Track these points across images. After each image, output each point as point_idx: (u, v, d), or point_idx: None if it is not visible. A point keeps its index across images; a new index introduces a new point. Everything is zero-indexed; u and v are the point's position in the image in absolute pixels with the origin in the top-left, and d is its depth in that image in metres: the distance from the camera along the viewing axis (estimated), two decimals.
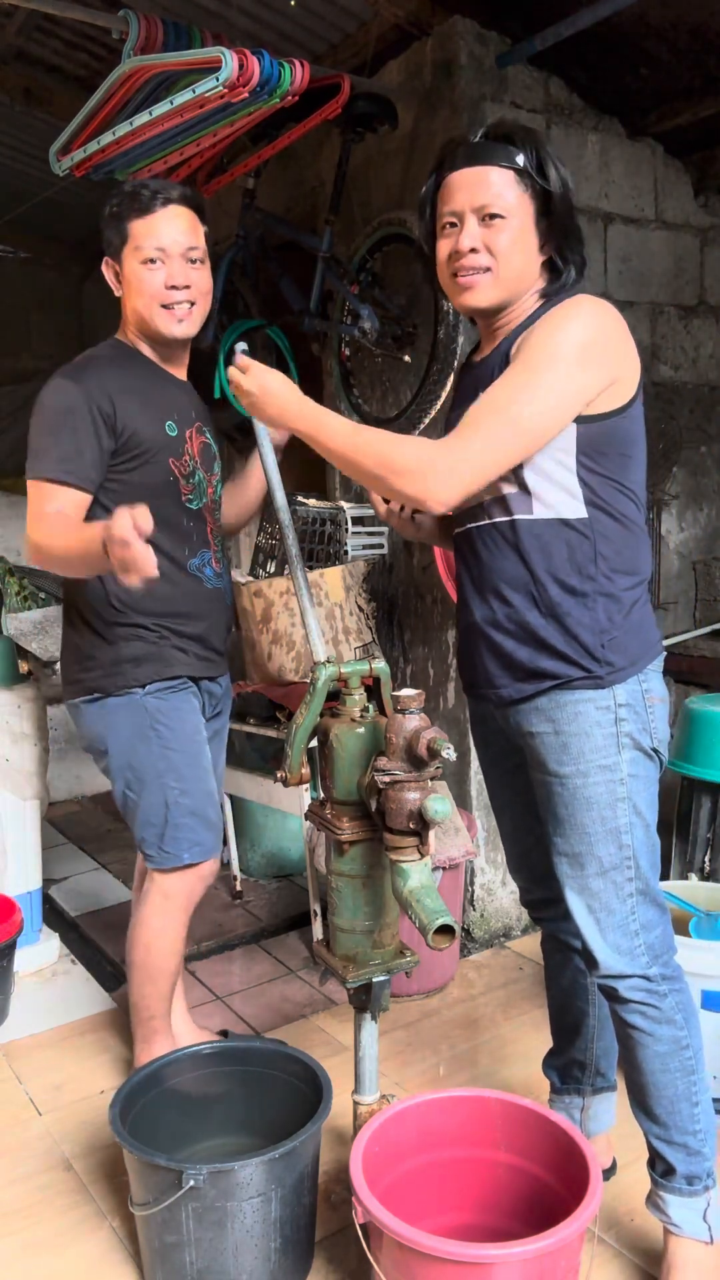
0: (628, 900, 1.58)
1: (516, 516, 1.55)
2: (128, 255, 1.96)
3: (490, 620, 1.61)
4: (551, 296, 1.58)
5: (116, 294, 2.02)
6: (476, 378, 1.62)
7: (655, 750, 1.61)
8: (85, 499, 1.91)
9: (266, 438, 2.06)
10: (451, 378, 2.77)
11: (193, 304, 1.99)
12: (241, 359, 1.64)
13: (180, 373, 2.11)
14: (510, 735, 1.68)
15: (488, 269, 1.55)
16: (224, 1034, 2.37)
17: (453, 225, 1.57)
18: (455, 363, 2.75)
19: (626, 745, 1.56)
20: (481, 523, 1.61)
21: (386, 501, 1.78)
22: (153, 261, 1.94)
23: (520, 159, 1.52)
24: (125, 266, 1.97)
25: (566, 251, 1.57)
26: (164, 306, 1.96)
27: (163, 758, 2.01)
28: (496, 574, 1.59)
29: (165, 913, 2.07)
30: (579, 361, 1.46)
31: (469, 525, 1.64)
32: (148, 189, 1.94)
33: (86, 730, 2.06)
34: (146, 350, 2.04)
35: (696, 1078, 1.60)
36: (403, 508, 1.78)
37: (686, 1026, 1.60)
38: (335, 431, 1.56)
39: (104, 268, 2.01)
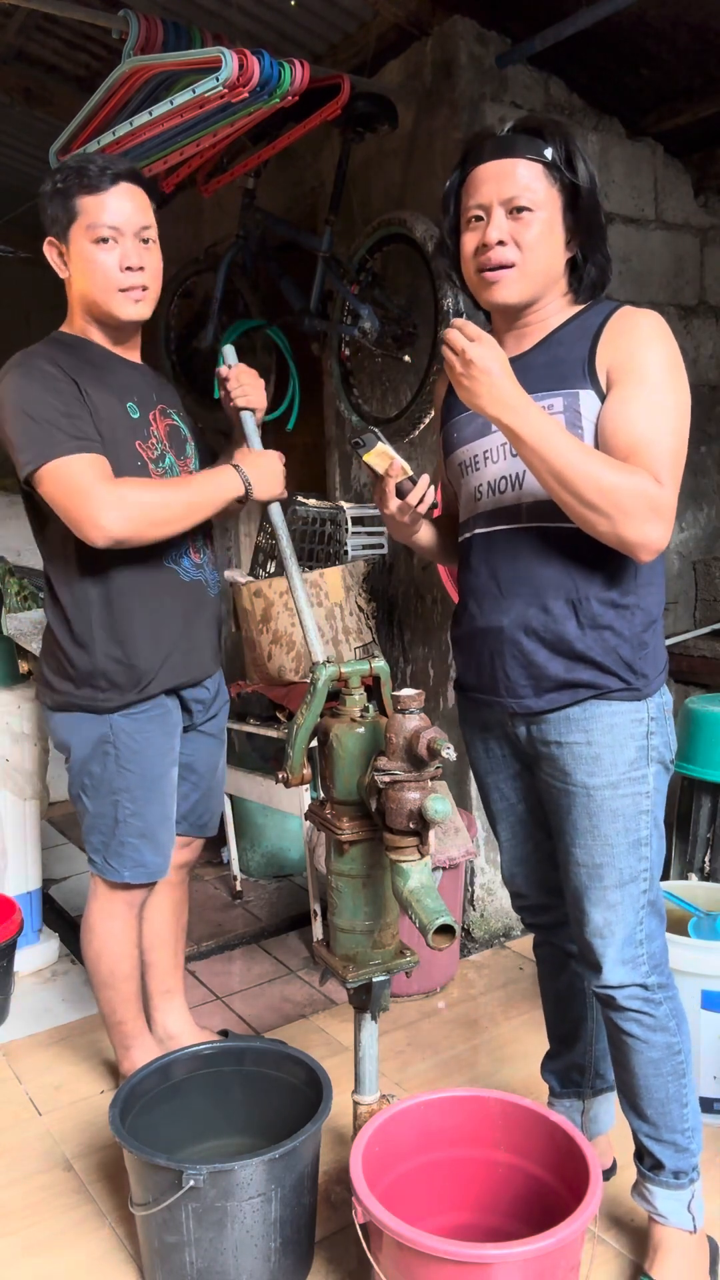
0: (640, 911, 1.58)
1: (567, 523, 1.50)
2: (77, 233, 1.84)
3: (523, 627, 1.56)
4: (591, 300, 1.57)
5: (61, 275, 1.90)
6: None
7: (671, 762, 1.61)
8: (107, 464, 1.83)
9: (255, 435, 2.05)
10: None
11: (146, 288, 1.88)
12: (467, 324, 1.44)
13: (134, 355, 2.00)
14: (520, 743, 1.65)
15: (513, 264, 1.52)
16: (224, 1034, 2.37)
17: (479, 219, 1.54)
18: None
19: (654, 759, 1.56)
20: (524, 525, 1.56)
21: (402, 496, 1.66)
22: (105, 241, 1.82)
23: (549, 152, 1.50)
24: (73, 246, 1.85)
25: (589, 249, 1.56)
26: (120, 290, 1.85)
27: (119, 776, 1.97)
28: (537, 580, 1.55)
29: (109, 916, 2.06)
30: (684, 381, 1.49)
31: (500, 527, 1.60)
32: (95, 164, 1.84)
33: (52, 733, 2.05)
34: (96, 337, 1.94)
35: (686, 1080, 1.62)
36: (418, 503, 1.67)
37: (679, 1032, 1.62)
38: (558, 445, 1.42)
39: (46, 247, 1.89)
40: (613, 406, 1.47)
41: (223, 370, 2.04)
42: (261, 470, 1.95)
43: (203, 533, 2.05)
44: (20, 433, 1.79)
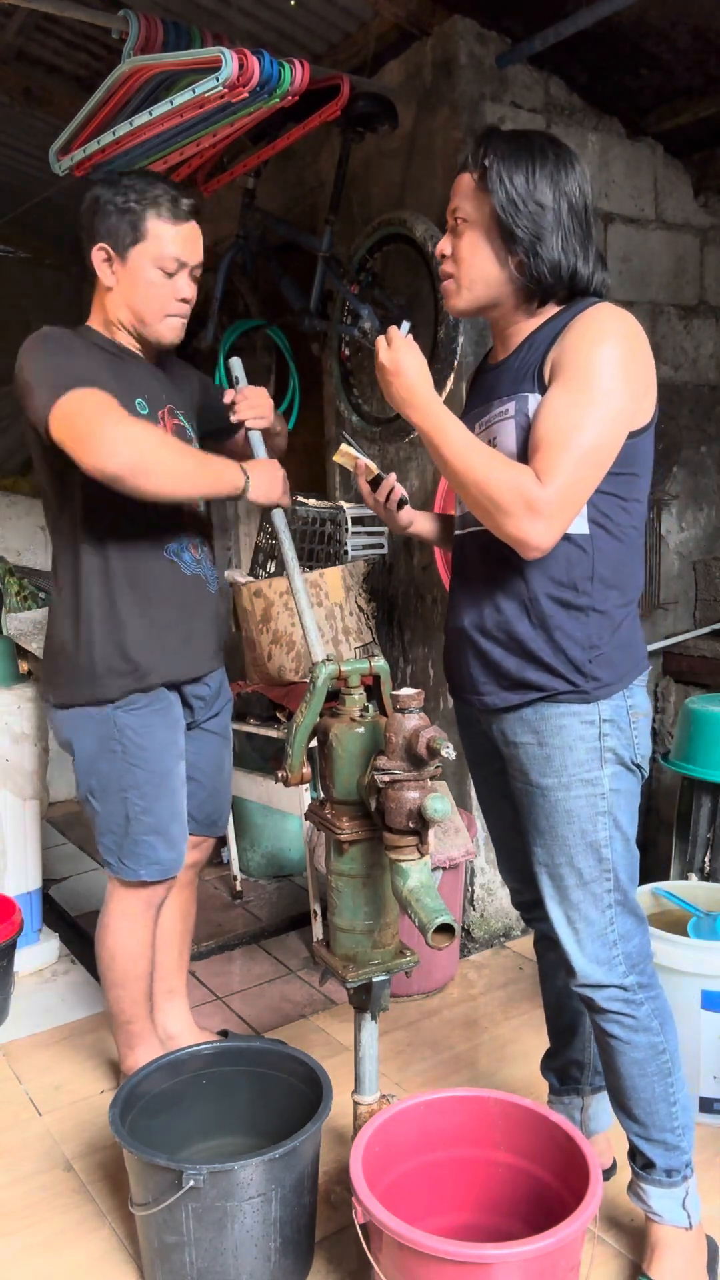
0: (606, 911, 1.59)
1: None
2: (140, 254, 1.89)
3: (478, 626, 1.61)
4: (567, 304, 1.56)
5: (107, 284, 1.94)
6: (493, 382, 1.61)
7: (637, 765, 1.61)
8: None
9: (262, 451, 2.07)
10: (451, 378, 2.77)
11: (186, 318, 1.98)
12: (393, 330, 1.58)
13: (149, 357, 2.05)
14: (494, 741, 1.67)
15: (452, 275, 1.59)
16: (224, 1034, 2.37)
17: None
18: (455, 362, 2.76)
19: (609, 760, 1.57)
20: (484, 527, 1.58)
21: (373, 490, 1.80)
22: (170, 272, 1.91)
23: (486, 161, 1.51)
24: (132, 263, 1.90)
25: (531, 258, 1.51)
26: (168, 316, 1.95)
27: (127, 773, 1.97)
28: (491, 581, 1.59)
29: (127, 916, 2.05)
30: (620, 378, 1.45)
31: (470, 529, 1.63)
32: (170, 193, 1.89)
33: (56, 732, 2.06)
34: (123, 339, 1.99)
35: (673, 1079, 1.63)
36: (388, 499, 1.79)
37: (662, 1032, 1.62)
38: (451, 440, 1.50)
39: (96, 252, 1.91)
40: (542, 402, 1.48)
41: (230, 393, 2.09)
42: (262, 475, 1.99)
43: (199, 531, 2.07)
44: (36, 382, 1.81)
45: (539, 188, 1.50)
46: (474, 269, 1.56)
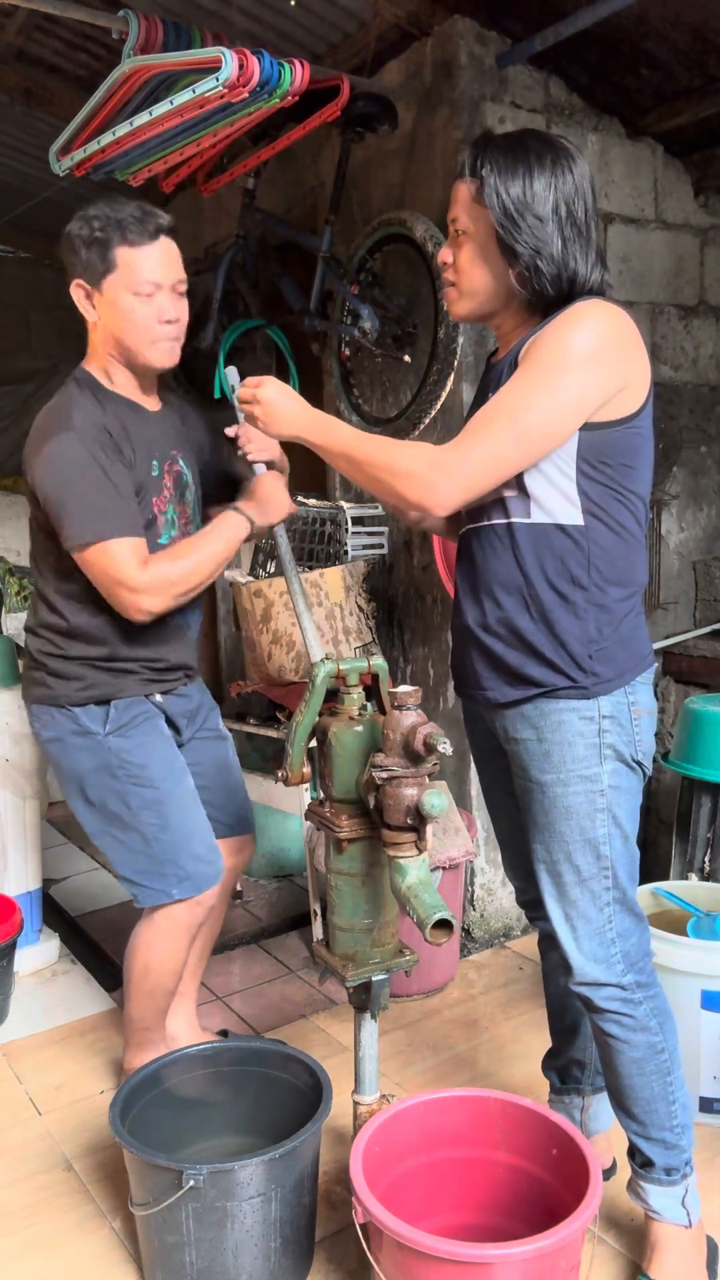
0: (605, 909, 1.59)
1: (513, 520, 1.55)
2: (114, 284, 1.85)
3: (481, 622, 1.61)
4: (559, 304, 1.55)
5: (89, 319, 1.91)
6: (490, 380, 1.62)
7: (639, 763, 1.61)
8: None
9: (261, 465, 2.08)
10: (451, 378, 2.77)
11: (178, 338, 1.94)
12: (252, 379, 1.67)
13: (153, 402, 2.03)
14: (498, 738, 1.68)
15: (454, 284, 1.59)
16: (224, 1034, 2.37)
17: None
18: (455, 362, 2.75)
19: (609, 757, 1.57)
20: (481, 524, 1.61)
21: None
22: (147, 295, 1.86)
23: (483, 172, 1.50)
24: (108, 295, 1.86)
25: (525, 271, 1.50)
26: (155, 342, 1.90)
27: (135, 794, 1.97)
28: (491, 576, 1.59)
29: (166, 935, 2.03)
30: (583, 367, 1.44)
31: (470, 526, 1.64)
32: (134, 215, 1.84)
33: (55, 769, 2.06)
34: (121, 383, 1.96)
35: (672, 1078, 1.63)
36: None
37: (661, 1031, 1.61)
38: (341, 437, 1.59)
39: (74, 289, 1.89)
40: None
41: (230, 431, 2.09)
42: (262, 498, 2.01)
43: None
44: (65, 505, 1.83)
45: (537, 199, 1.48)
46: (474, 280, 1.57)
